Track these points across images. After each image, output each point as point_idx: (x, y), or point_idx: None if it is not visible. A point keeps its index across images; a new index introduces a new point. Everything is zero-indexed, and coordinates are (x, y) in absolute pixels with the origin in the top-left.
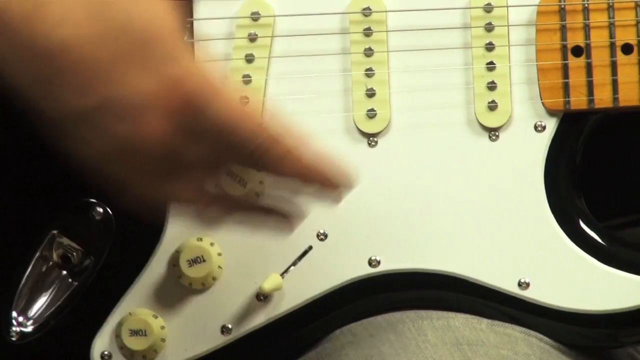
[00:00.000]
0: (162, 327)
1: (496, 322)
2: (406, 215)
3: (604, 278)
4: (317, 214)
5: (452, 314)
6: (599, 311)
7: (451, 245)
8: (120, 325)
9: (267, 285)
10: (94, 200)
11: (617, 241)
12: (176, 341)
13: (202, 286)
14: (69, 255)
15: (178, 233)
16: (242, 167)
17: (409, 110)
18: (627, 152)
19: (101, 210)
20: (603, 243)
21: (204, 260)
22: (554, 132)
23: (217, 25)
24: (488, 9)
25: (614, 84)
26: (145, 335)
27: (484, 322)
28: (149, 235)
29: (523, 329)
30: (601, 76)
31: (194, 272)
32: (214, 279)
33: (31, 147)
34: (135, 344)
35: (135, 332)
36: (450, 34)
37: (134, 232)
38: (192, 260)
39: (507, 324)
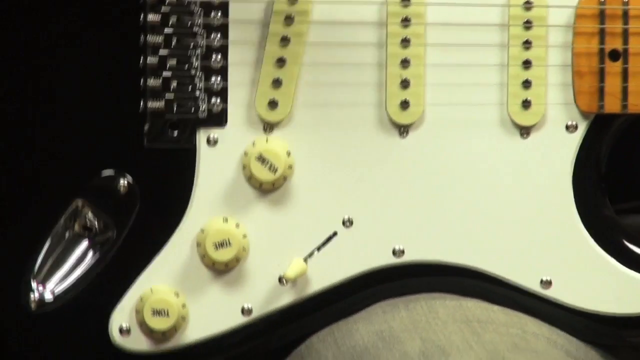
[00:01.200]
0: (184, 306)
1: (508, 309)
2: (432, 207)
3: (627, 281)
4: (344, 200)
5: (465, 297)
6: (619, 314)
7: (475, 240)
8: (141, 301)
9: (291, 272)
10: (120, 173)
11: None
12: (196, 320)
13: (226, 267)
14: (92, 226)
15: (203, 211)
16: (273, 154)
17: (442, 104)
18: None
19: (126, 183)
20: (627, 246)
21: (230, 244)
22: (585, 132)
23: (253, 7)
24: (527, 7)
25: None
26: (168, 315)
27: (496, 306)
28: (174, 210)
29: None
30: (637, 82)
31: (219, 256)
32: (238, 260)
33: (61, 117)
34: (157, 323)
35: (157, 312)
36: (488, 30)
37: (159, 207)
38: (218, 243)
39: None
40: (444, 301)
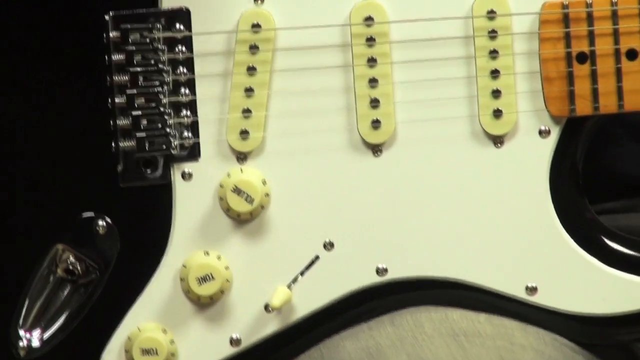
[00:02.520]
0: (172, 342)
1: (494, 315)
2: (412, 224)
3: (612, 280)
4: (323, 224)
5: (450, 308)
6: (607, 314)
7: (458, 253)
8: (130, 340)
9: (277, 301)
10: (97, 215)
11: (622, 242)
12: (185, 354)
13: (211, 300)
14: (74, 269)
15: (183, 246)
16: (249, 184)
17: (413, 120)
18: (614, 138)
19: (105, 224)
20: (609, 245)
21: (214, 278)
22: (558, 137)
23: (217, 38)
24: (491, 17)
25: (619, 90)
26: (157, 354)
27: (482, 315)
28: (154, 248)
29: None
30: (606, 83)
31: (204, 290)
32: (222, 292)
33: (33, 163)
34: None
35: (146, 352)
36: (454, 43)
37: (139, 245)
38: (201, 278)
39: (504, 318)
40: (429, 314)
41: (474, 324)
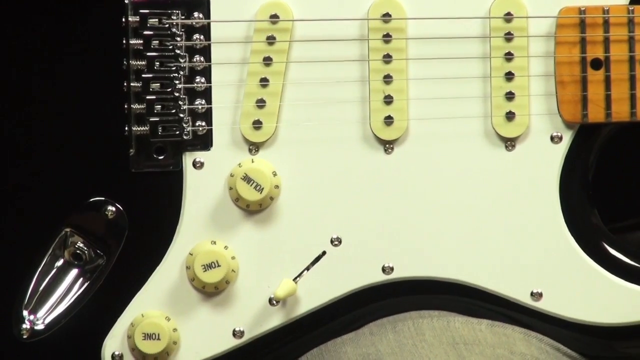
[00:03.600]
0: (175, 330)
1: (496, 323)
2: (420, 223)
3: (617, 291)
4: (332, 219)
5: (453, 314)
6: (610, 324)
7: (464, 254)
8: (132, 326)
9: (281, 291)
10: (107, 199)
11: (630, 253)
12: (188, 344)
13: (216, 289)
14: (81, 254)
15: (191, 234)
16: (259, 173)
17: (426, 118)
18: (628, 156)
19: (114, 209)
20: (616, 255)
21: (219, 265)
22: (570, 143)
23: (234, 27)
24: (508, 18)
25: (632, 98)
26: (159, 339)
27: (484, 323)
28: (162, 235)
29: (524, 329)
30: (619, 90)
31: (208, 277)
32: (228, 282)
33: (45, 145)
34: (148, 347)
35: (148, 336)
36: (469, 43)
37: (147, 232)
38: (207, 265)
39: (507, 325)
40: (431, 320)
41: (475, 332)
